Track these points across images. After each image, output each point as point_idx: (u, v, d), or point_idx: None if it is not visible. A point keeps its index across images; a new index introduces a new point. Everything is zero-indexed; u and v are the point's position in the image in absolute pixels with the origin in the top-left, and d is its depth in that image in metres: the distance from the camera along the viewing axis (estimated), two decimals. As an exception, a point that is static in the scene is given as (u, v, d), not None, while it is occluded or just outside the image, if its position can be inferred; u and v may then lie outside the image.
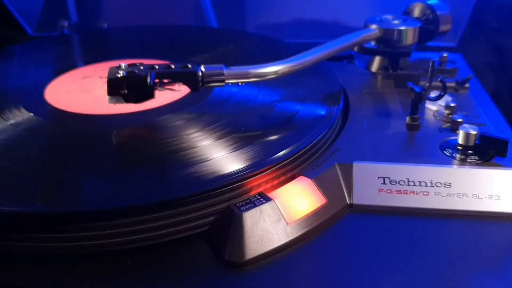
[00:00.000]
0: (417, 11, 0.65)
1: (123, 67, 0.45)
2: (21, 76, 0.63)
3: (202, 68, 0.45)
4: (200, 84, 0.45)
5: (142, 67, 0.45)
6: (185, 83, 0.45)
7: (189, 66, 0.46)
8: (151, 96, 0.45)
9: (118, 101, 0.45)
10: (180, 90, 0.46)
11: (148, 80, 0.44)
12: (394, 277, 0.34)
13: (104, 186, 0.39)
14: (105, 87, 0.45)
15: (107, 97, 0.45)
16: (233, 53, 0.68)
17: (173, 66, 0.46)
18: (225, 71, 0.46)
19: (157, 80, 0.45)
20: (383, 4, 0.75)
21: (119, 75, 0.44)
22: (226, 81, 0.46)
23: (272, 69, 0.48)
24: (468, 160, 0.43)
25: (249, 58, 0.66)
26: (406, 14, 0.66)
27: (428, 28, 0.63)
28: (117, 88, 0.44)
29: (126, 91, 0.44)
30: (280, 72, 0.48)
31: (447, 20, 0.64)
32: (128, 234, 0.36)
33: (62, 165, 0.41)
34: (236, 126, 0.45)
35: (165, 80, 0.45)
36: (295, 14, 0.87)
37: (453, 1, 0.78)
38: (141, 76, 0.44)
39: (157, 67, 0.45)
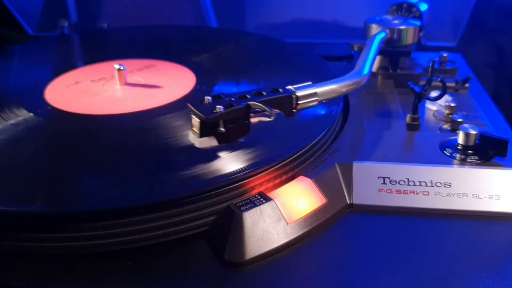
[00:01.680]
0: (395, 11, 0.66)
1: (207, 100, 0.39)
2: (21, 76, 0.63)
3: (292, 88, 0.41)
4: (294, 106, 0.41)
5: (233, 98, 0.39)
6: (278, 108, 0.40)
7: (280, 90, 0.41)
8: (247, 131, 0.39)
9: (210, 143, 0.39)
10: (273, 119, 0.39)
11: (269, 111, 0.38)
12: (394, 277, 0.34)
13: (104, 186, 0.39)
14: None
15: (196, 140, 0.39)
16: (233, 53, 0.68)
17: (264, 93, 0.40)
18: (318, 90, 0.42)
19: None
20: (382, 4, 0.75)
21: (216, 111, 0.37)
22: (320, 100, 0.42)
23: (355, 80, 0.46)
24: (468, 160, 0.43)
25: (249, 58, 0.66)
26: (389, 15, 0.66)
27: None
28: (213, 127, 0.38)
29: (224, 129, 0.38)
30: (362, 82, 0.47)
31: (428, 16, 0.65)
32: (128, 234, 0.36)
33: (62, 165, 0.41)
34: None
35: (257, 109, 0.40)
36: (295, 14, 0.87)
37: (453, 1, 0.78)
38: (242, 108, 0.38)
39: (248, 96, 0.40)
